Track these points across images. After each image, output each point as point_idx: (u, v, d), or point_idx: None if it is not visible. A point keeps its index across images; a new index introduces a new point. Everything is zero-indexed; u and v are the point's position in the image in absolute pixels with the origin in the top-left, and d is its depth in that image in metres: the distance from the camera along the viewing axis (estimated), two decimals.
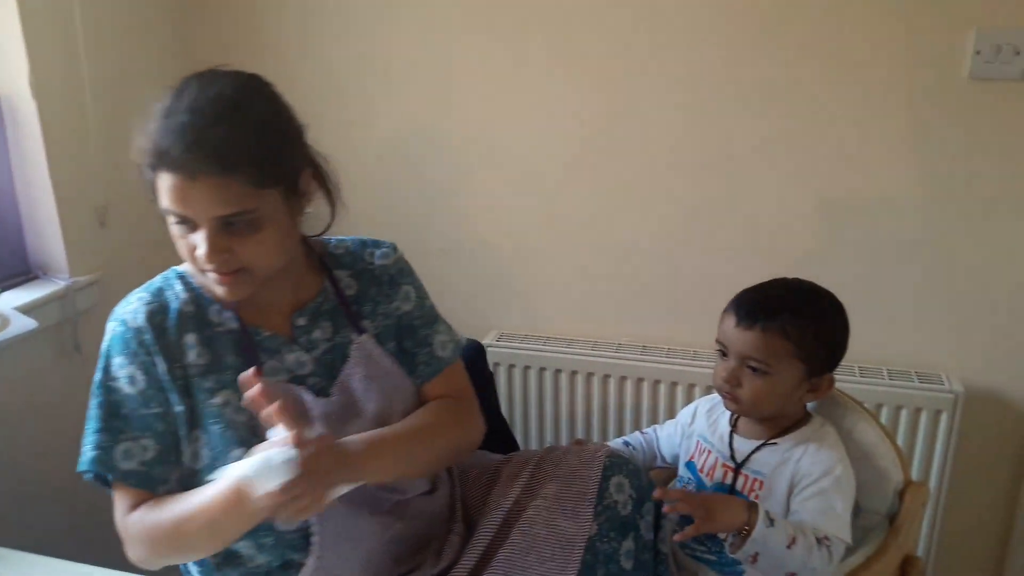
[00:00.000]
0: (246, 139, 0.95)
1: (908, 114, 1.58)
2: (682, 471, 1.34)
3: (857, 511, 1.23)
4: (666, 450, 1.42)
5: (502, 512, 1.15)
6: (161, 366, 1.04)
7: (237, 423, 1.04)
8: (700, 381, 1.75)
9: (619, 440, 1.46)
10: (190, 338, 1.06)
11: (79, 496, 1.71)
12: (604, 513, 1.13)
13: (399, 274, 1.21)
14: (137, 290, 1.10)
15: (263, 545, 1.07)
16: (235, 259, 0.98)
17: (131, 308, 1.06)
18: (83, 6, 1.62)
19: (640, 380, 1.80)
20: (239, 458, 0.98)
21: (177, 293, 1.08)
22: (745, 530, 1.11)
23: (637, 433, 1.46)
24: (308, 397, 1.09)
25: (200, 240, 0.96)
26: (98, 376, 1.05)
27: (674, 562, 1.24)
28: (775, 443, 1.22)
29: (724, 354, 1.22)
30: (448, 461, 1.22)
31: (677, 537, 1.15)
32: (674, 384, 1.78)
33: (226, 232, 0.97)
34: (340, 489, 0.97)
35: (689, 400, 1.61)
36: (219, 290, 1.02)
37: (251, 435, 1.03)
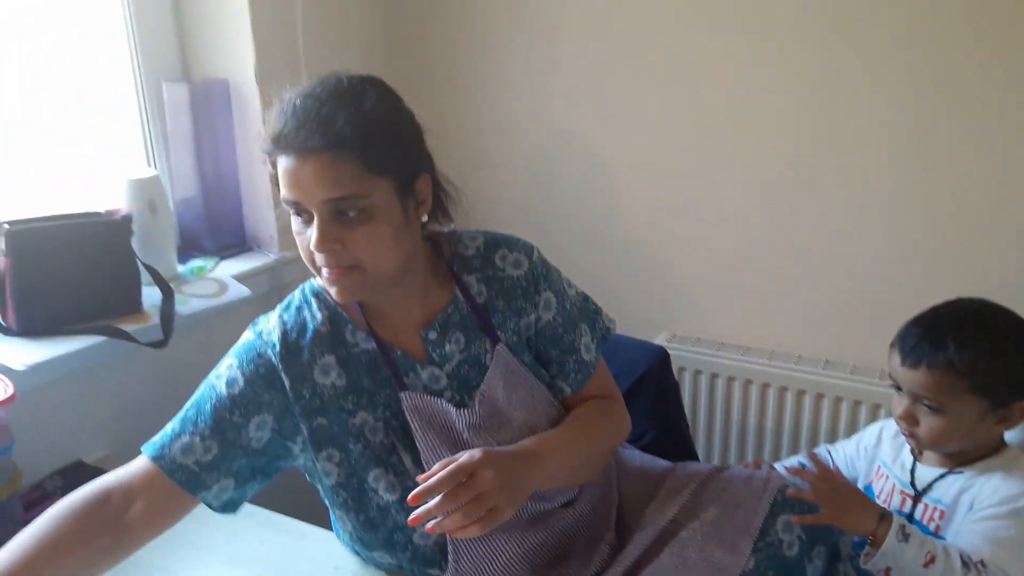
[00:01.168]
0: (357, 121, 0.94)
1: None
2: None
3: None
4: (842, 468, 1.35)
5: (657, 528, 1.12)
6: (288, 384, 1.05)
7: (374, 444, 1.07)
8: (885, 402, 1.64)
9: (795, 460, 1.40)
10: (329, 359, 1.06)
11: None
12: (765, 550, 1.06)
13: (535, 282, 1.13)
14: (279, 306, 1.11)
15: (401, 560, 1.09)
16: (347, 254, 0.96)
17: (270, 325, 1.08)
18: (305, 3, 1.75)
19: (820, 396, 1.73)
20: (378, 478, 1.05)
21: (314, 313, 1.08)
22: (871, 539, 1.06)
23: (819, 450, 1.39)
24: (451, 410, 1.07)
25: (313, 230, 0.95)
26: (210, 373, 1.08)
27: None
28: (960, 471, 1.14)
29: (898, 388, 1.15)
30: (605, 461, 1.19)
31: (796, 520, 1.07)
32: (857, 403, 1.69)
33: (337, 222, 0.95)
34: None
35: (873, 421, 1.53)
36: (332, 290, 0.99)
37: (389, 455, 1.07)
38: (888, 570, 1.07)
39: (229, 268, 1.71)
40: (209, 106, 1.70)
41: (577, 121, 1.89)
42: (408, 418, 1.07)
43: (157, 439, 1.05)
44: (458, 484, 0.90)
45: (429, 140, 1.06)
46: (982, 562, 1.05)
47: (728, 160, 1.76)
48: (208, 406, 1.05)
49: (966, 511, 1.11)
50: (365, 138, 0.94)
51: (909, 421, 1.14)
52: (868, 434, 1.32)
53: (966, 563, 1.05)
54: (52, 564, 0.94)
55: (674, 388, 1.56)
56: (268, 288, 1.78)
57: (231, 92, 1.73)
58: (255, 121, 1.72)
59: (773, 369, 1.76)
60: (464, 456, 0.93)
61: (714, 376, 1.82)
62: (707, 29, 1.69)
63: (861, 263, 1.70)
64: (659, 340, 1.86)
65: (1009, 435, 1.18)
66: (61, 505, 0.98)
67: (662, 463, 1.26)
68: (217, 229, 1.77)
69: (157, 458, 1.03)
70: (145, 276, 1.50)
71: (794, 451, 1.78)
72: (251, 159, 1.76)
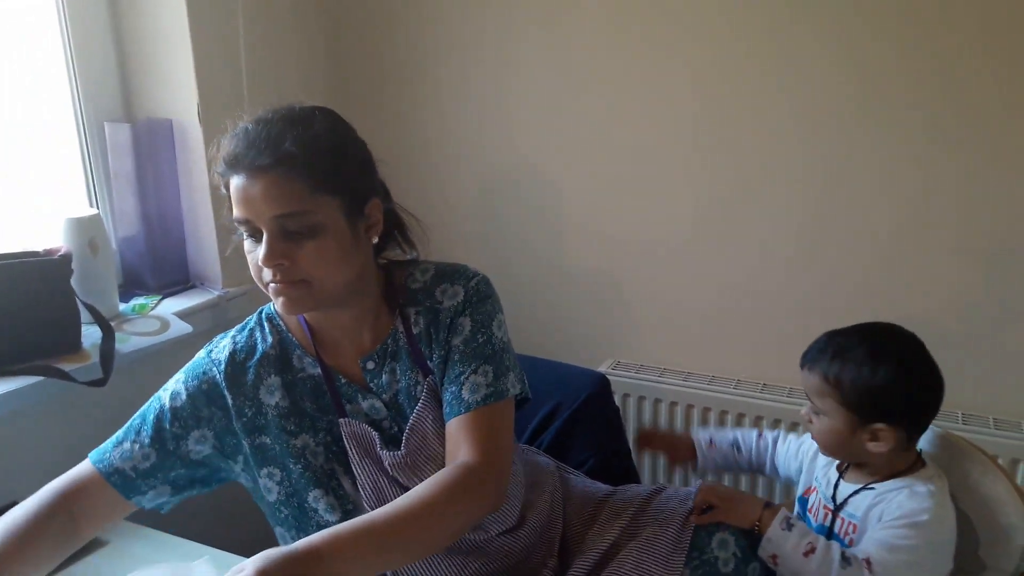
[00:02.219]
0: (305, 141, 0.98)
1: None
2: (796, 506, 1.33)
3: (982, 569, 1.18)
4: (780, 465, 1.39)
5: (598, 552, 1.15)
6: (231, 401, 1.10)
7: (315, 466, 1.09)
8: None
9: (729, 436, 1.43)
10: (274, 380, 1.10)
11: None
12: (701, 568, 1.11)
13: (463, 307, 1.10)
14: (236, 327, 1.17)
15: None
16: (295, 269, 0.98)
17: (221, 344, 1.14)
18: (247, 41, 1.78)
19: (759, 418, 1.78)
20: (318, 498, 1.08)
21: (265, 336, 1.13)
22: (757, 526, 1.14)
23: (752, 435, 1.43)
24: (380, 450, 1.08)
25: (262, 247, 0.98)
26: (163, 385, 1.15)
27: None
28: (872, 487, 1.19)
29: None
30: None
31: (693, 518, 1.15)
32: (794, 424, 1.74)
33: (285, 238, 0.98)
34: None
35: None
36: (277, 302, 1.01)
37: (329, 479, 1.09)
38: (775, 558, 1.14)
39: (172, 305, 1.71)
40: (152, 145, 1.71)
41: (525, 152, 1.94)
42: (346, 444, 1.09)
43: (102, 445, 1.12)
44: None
45: (379, 170, 1.11)
46: (868, 561, 1.09)
47: (669, 192, 1.82)
48: (151, 417, 1.11)
49: (874, 524, 1.16)
50: (312, 157, 0.98)
51: (806, 420, 1.22)
52: (808, 444, 1.36)
53: (847, 559, 1.10)
54: (13, 558, 0.99)
55: (615, 413, 1.59)
56: (211, 324, 1.78)
57: (174, 131, 1.75)
58: (199, 160, 1.73)
59: (713, 393, 1.81)
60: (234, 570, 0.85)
61: (657, 401, 1.87)
62: (654, 63, 1.76)
63: (793, 291, 1.77)
64: (603, 367, 1.90)
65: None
66: (17, 507, 1.05)
67: (603, 487, 1.29)
68: (160, 267, 1.78)
69: (97, 462, 1.10)
70: (85, 315, 1.49)
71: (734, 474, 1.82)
72: (195, 197, 1.77)
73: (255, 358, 1.11)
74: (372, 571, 0.92)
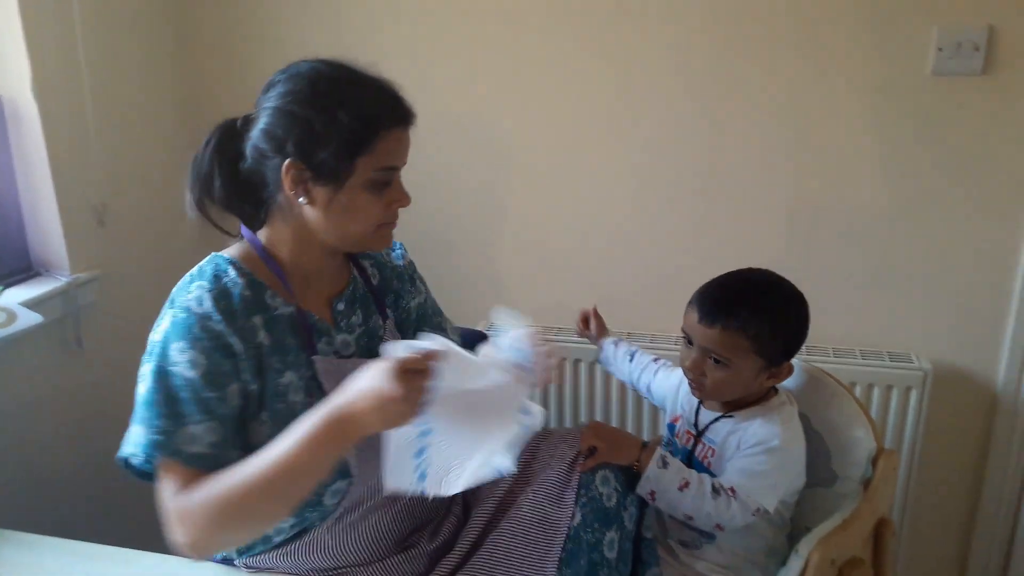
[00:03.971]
0: None
1: (876, 108, 1.67)
2: (664, 431, 1.45)
3: (834, 479, 1.32)
4: (656, 391, 1.50)
5: (496, 499, 1.22)
6: (238, 346, 1.05)
7: (296, 403, 1.08)
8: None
9: (633, 348, 1.55)
10: (257, 319, 1.08)
11: (84, 483, 1.76)
12: (589, 505, 1.19)
13: (412, 272, 1.34)
14: (189, 279, 1.09)
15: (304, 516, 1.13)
16: None
17: (193, 296, 1.06)
18: (83, 10, 1.67)
19: None
20: None
21: (233, 279, 1.09)
22: (636, 465, 1.23)
23: (648, 358, 1.53)
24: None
25: (399, 188, 1.12)
26: (152, 364, 1.03)
27: (660, 545, 1.33)
28: (731, 416, 1.30)
29: (690, 343, 1.29)
30: None
31: (579, 466, 1.22)
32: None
33: None
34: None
35: None
36: (386, 239, 1.15)
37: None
38: (653, 495, 1.23)
39: (16, 295, 1.59)
40: None
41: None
42: (322, 381, 1.11)
43: (152, 445, 1.01)
44: None
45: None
46: (732, 489, 1.22)
47: (552, 158, 1.87)
48: (185, 394, 1.02)
49: (732, 452, 1.28)
50: None
51: (697, 372, 1.28)
52: (671, 379, 1.47)
53: (716, 489, 1.22)
54: None
55: None
56: (62, 313, 1.67)
57: (5, 109, 1.61)
58: (36, 138, 1.61)
59: (583, 345, 1.86)
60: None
61: None
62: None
63: (650, 247, 1.87)
64: (483, 326, 1.93)
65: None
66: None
67: None
68: None
69: (173, 455, 1.01)
70: None
71: (622, 416, 1.92)
72: (34, 177, 1.64)
73: (236, 299, 1.07)
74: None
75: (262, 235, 1.15)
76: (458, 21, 1.83)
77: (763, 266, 1.32)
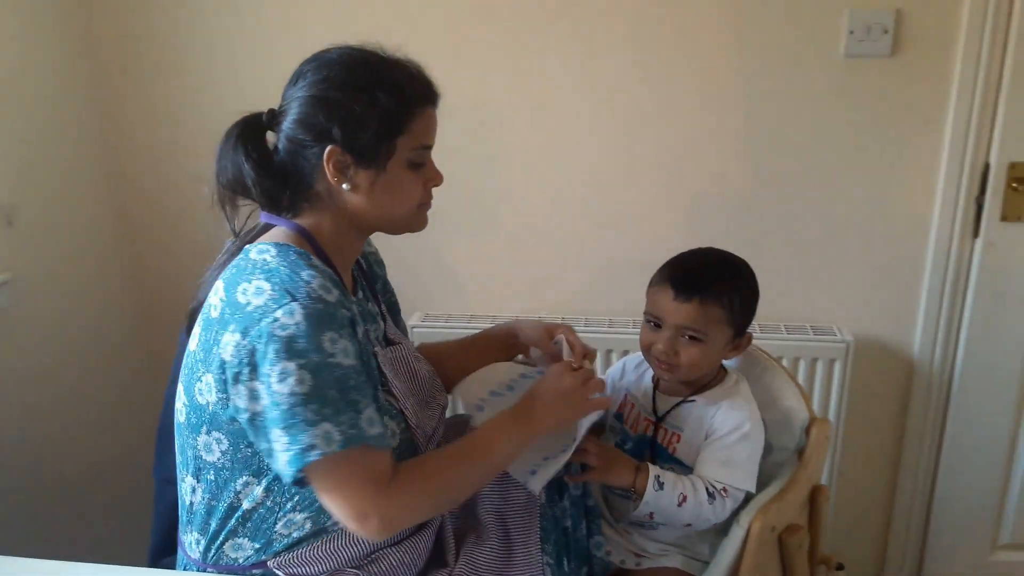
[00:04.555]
0: None
1: (794, 89, 1.73)
2: (611, 420, 1.43)
3: (770, 449, 1.36)
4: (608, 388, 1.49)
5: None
6: (360, 330, 1.07)
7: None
8: (617, 347, 1.85)
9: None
10: (353, 307, 1.09)
11: None
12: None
13: (377, 256, 1.35)
14: (286, 270, 1.02)
15: None
16: None
17: (314, 284, 1.00)
18: None
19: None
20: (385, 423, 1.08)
21: (320, 268, 1.06)
22: (633, 490, 1.24)
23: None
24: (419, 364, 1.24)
25: (433, 169, 1.15)
26: (302, 361, 0.96)
27: (612, 527, 1.36)
28: (693, 400, 1.32)
29: (657, 326, 1.29)
30: None
31: (569, 477, 1.27)
32: (609, 351, 1.87)
33: None
34: None
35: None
36: (425, 218, 1.17)
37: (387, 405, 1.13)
38: (651, 515, 1.24)
39: None
40: None
41: None
42: (385, 370, 1.14)
43: (346, 440, 0.97)
44: None
45: None
46: (724, 489, 1.24)
47: (475, 142, 1.86)
48: (352, 382, 1.00)
49: (701, 437, 1.29)
50: None
51: (669, 352, 1.27)
52: (614, 370, 1.48)
53: (711, 494, 1.24)
54: None
55: None
56: None
57: None
58: None
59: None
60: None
61: None
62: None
63: (578, 229, 1.89)
64: (413, 320, 1.92)
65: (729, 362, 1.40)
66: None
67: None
68: None
69: (366, 441, 1.00)
70: None
71: None
72: None
73: (336, 287, 1.04)
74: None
75: (303, 224, 1.11)
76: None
77: (686, 248, 1.35)
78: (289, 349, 0.95)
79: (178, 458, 1.17)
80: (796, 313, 1.87)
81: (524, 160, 1.86)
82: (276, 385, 0.95)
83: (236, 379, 0.98)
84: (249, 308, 0.98)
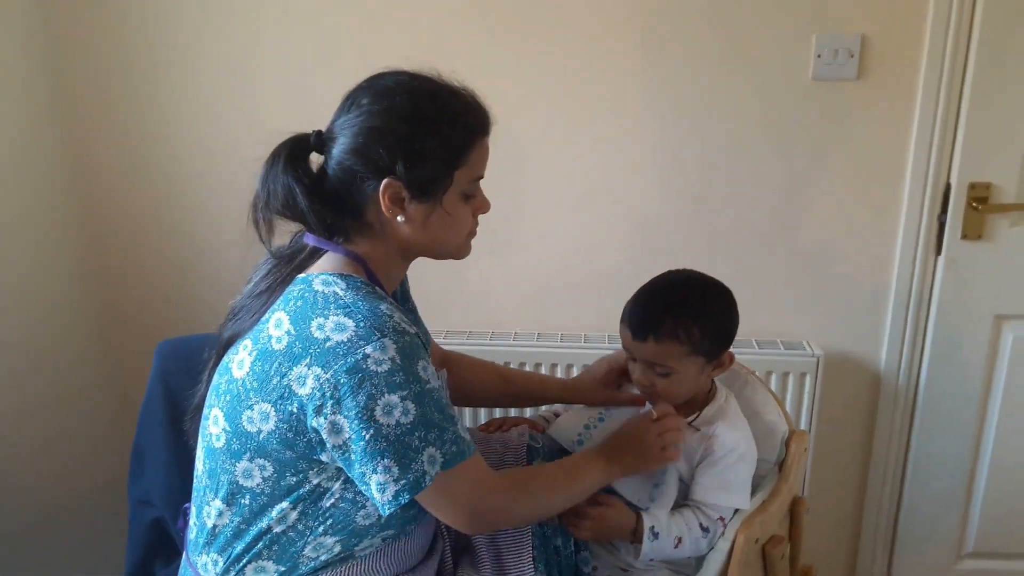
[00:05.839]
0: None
1: (764, 111, 1.78)
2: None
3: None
4: None
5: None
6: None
7: None
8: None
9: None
10: None
11: None
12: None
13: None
14: (364, 305, 1.02)
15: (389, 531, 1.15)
16: None
17: (396, 317, 1.01)
18: None
19: (537, 365, 1.91)
20: None
21: (384, 297, 1.07)
22: (633, 539, 1.25)
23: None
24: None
25: (483, 198, 1.15)
26: (406, 391, 0.98)
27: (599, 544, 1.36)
28: (690, 423, 1.31)
29: (634, 358, 1.31)
30: None
31: (569, 524, 1.27)
32: (569, 366, 1.89)
33: None
34: None
35: None
36: (470, 247, 1.17)
37: None
38: (651, 560, 1.27)
39: None
40: None
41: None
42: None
43: (459, 456, 1.04)
44: None
45: None
46: (721, 519, 1.26)
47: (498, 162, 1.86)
48: (445, 401, 1.04)
49: (697, 458, 1.29)
50: None
51: (646, 384, 1.30)
52: None
53: (704, 527, 1.25)
54: None
55: None
56: None
57: None
58: None
59: (495, 347, 1.90)
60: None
61: None
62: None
63: (561, 249, 1.92)
64: (437, 340, 1.91)
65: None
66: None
67: None
68: None
69: (472, 452, 1.07)
70: None
71: None
72: None
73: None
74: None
75: (356, 250, 1.10)
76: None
77: (657, 269, 1.36)
78: (389, 383, 0.97)
79: (202, 482, 1.13)
80: (768, 328, 1.91)
81: (540, 177, 1.88)
82: (383, 418, 0.97)
83: (318, 412, 0.98)
84: (330, 344, 0.98)
